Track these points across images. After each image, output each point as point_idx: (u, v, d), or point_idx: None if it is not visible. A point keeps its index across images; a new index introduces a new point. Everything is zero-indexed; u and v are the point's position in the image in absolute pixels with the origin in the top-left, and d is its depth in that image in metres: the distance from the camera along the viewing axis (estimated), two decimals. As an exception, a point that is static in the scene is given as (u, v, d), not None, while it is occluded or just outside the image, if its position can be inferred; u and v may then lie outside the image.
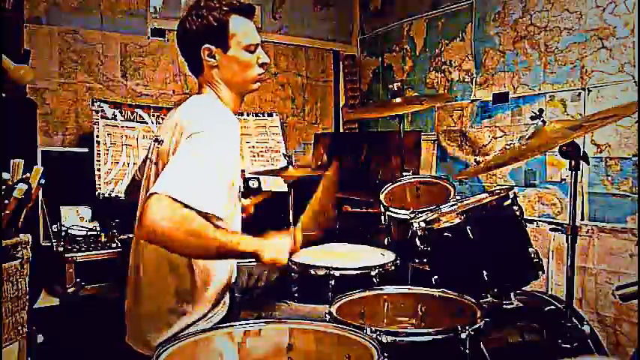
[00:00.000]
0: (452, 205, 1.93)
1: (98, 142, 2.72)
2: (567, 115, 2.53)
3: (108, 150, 2.74)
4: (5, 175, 1.54)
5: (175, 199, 1.17)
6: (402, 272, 1.99)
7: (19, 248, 1.49)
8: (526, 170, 2.74)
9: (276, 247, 1.37)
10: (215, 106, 1.48)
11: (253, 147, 3.28)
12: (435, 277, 1.74)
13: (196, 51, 1.48)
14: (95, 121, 2.77)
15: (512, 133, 2.83)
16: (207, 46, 1.47)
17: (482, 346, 1.43)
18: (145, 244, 1.45)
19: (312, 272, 1.77)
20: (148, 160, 1.56)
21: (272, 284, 1.89)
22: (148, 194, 1.20)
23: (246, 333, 1.21)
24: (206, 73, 1.51)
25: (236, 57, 1.49)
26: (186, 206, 1.18)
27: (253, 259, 1.36)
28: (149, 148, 1.60)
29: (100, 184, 2.64)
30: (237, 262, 1.65)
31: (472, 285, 1.63)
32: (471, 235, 1.65)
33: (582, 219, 2.44)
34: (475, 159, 3.05)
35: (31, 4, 2.83)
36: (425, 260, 1.86)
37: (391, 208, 2.22)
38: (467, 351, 1.24)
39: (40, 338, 1.97)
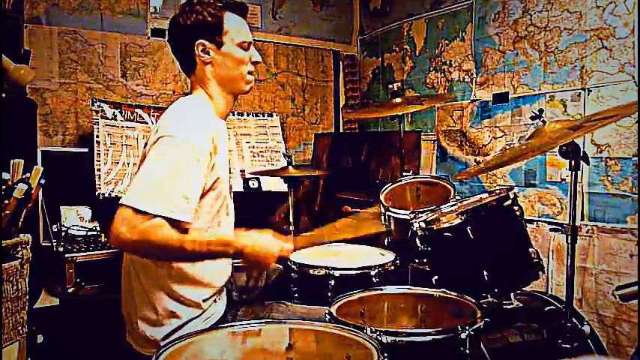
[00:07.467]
0: (452, 205, 1.93)
1: (98, 142, 2.71)
2: (567, 115, 2.53)
3: (108, 150, 2.74)
4: (5, 175, 1.54)
5: (139, 210, 1.22)
6: (402, 272, 2.00)
7: (19, 248, 1.50)
8: (526, 170, 2.73)
9: (260, 243, 1.33)
10: (195, 107, 1.46)
11: (253, 147, 3.27)
12: (435, 277, 1.74)
13: (190, 47, 1.47)
14: (95, 121, 2.76)
15: (512, 133, 2.83)
16: (201, 41, 1.46)
17: (482, 346, 1.43)
18: None
19: (312, 272, 1.77)
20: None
21: (271, 284, 1.89)
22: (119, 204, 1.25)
23: (246, 333, 1.21)
24: (199, 70, 1.50)
25: (230, 53, 1.48)
26: (152, 215, 1.22)
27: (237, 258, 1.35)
28: None
29: (100, 184, 2.64)
30: (234, 262, 1.62)
31: (472, 285, 1.64)
32: (471, 235, 1.65)
33: (582, 219, 2.44)
34: (475, 159, 3.05)
35: (31, 4, 2.83)
36: (425, 260, 1.86)
37: (391, 208, 2.23)
38: (467, 351, 1.24)
39: (40, 338, 1.98)
